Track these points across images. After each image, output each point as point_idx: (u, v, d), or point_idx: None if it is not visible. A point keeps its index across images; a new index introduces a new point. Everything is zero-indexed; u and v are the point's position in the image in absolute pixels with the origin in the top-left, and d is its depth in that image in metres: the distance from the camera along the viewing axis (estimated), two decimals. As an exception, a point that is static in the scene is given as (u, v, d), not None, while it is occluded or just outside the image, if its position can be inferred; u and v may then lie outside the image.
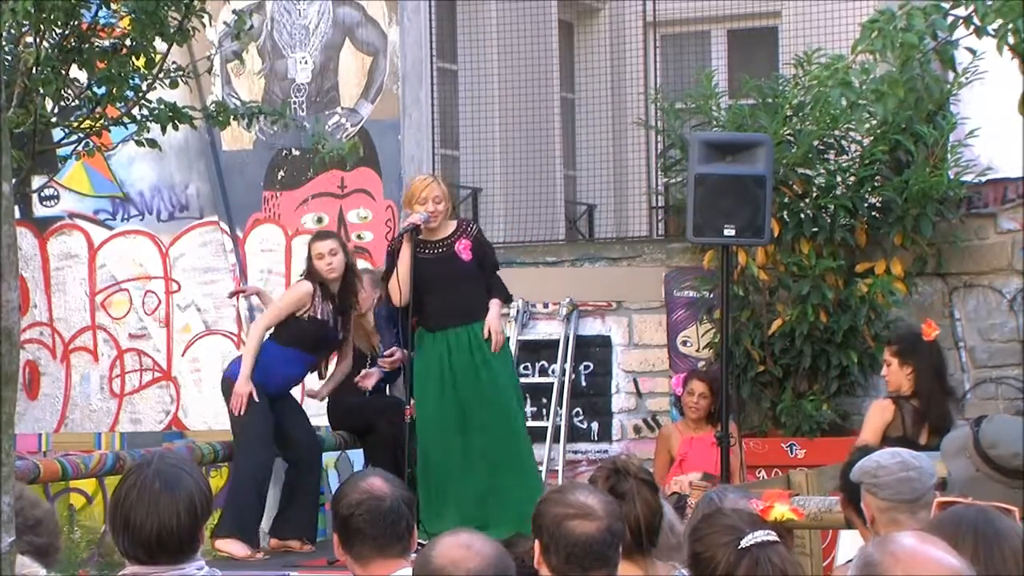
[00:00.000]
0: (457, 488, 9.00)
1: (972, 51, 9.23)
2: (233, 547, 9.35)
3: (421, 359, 9.13)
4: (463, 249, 9.16)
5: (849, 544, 7.21)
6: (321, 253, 9.56)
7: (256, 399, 9.46)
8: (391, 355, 9.86)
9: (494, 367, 9.10)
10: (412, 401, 9.15)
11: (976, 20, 7.91)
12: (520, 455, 9.15)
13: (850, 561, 3.57)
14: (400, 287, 9.04)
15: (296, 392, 10.26)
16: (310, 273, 9.62)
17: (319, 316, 9.56)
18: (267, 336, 9.70)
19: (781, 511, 4.44)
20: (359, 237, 12.15)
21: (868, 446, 6.35)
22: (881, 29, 7.89)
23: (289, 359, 9.62)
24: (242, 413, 9.45)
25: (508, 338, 9.77)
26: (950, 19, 8.01)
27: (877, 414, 8.91)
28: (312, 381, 10.29)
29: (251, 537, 9.50)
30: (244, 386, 9.47)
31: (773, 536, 3.95)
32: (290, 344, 9.61)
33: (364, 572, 4.55)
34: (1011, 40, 7.89)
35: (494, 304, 9.21)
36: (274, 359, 9.59)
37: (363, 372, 10.08)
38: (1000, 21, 7.77)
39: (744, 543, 3.90)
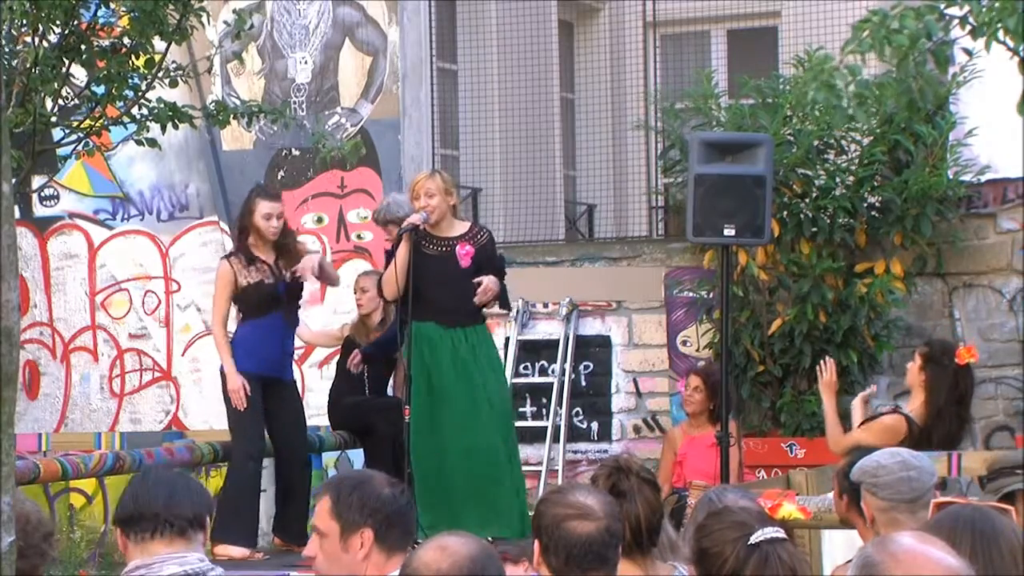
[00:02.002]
0: (436, 484, 8.98)
1: (968, 51, 9.24)
2: (232, 551, 9.36)
3: (412, 351, 9.11)
4: (464, 255, 9.11)
5: (830, 546, 7.20)
6: (270, 214, 9.40)
7: (248, 393, 9.43)
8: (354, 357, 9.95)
9: (478, 368, 9.06)
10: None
11: (972, 20, 7.91)
12: (501, 454, 9.06)
13: (850, 561, 3.58)
14: (397, 280, 9.00)
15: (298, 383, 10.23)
16: (242, 230, 9.49)
17: (253, 280, 9.39)
18: (237, 323, 9.61)
19: (789, 510, 4.43)
20: (359, 237, 12.15)
21: (867, 446, 6.33)
22: (872, 30, 7.88)
23: (264, 329, 9.51)
24: (244, 407, 9.38)
25: (496, 348, 9.66)
26: (945, 19, 8.02)
27: (884, 431, 8.63)
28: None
29: (249, 539, 9.49)
30: (234, 380, 9.33)
31: (782, 533, 3.92)
32: (255, 316, 9.46)
33: (373, 567, 4.56)
34: (1002, 36, 7.90)
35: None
36: (253, 338, 9.45)
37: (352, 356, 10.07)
38: (991, 17, 7.78)
39: (754, 539, 3.87)
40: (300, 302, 9.70)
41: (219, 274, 9.55)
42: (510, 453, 9.20)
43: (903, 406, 8.96)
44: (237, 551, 9.34)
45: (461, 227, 9.25)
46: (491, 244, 9.28)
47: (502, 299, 9.40)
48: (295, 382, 9.91)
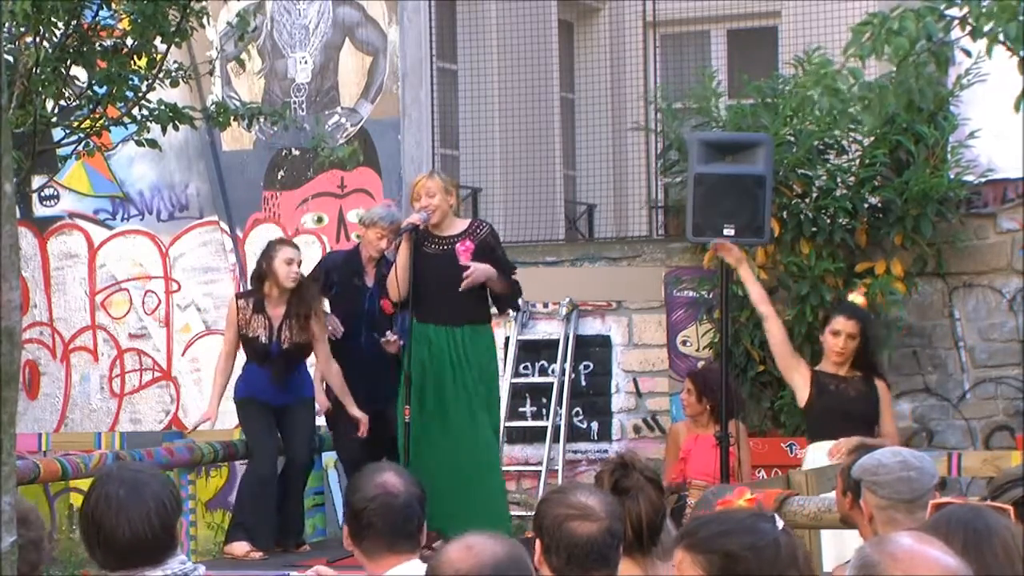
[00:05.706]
0: (430, 482, 8.98)
1: (967, 52, 9.24)
2: (236, 549, 9.46)
3: (411, 348, 9.13)
4: (463, 251, 9.12)
5: (830, 545, 7.20)
6: (291, 259, 9.46)
7: (250, 417, 9.63)
8: (386, 340, 9.71)
9: (470, 372, 9.07)
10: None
11: (971, 21, 7.91)
12: (482, 462, 9.08)
13: (847, 562, 3.57)
14: (399, 284, 9.03)
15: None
16: (259, 276, 9.54)
17: (250, 333, 9.52)
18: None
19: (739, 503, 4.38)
20: (359, 237, 12.15)
21: (870, 445, 6.32)
22: (872, 32, 7.87)
23: (257, 372, 9.63)
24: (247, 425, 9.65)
25: (495, 352, 9.63)
26: (945, 20, 8.02)
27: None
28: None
29: (256, 538, 9.50)
30: (208, 412, 9.70)
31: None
32: (250, 360, 9.66)
33: (373, 566, 4.58)
34: (1002, 39, 7.90)
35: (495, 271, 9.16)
36: (250, 373, 9.64)
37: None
38: (991, 24, 7.78)
39: (780, 524, 3.67)
40: (303, 359, 9.77)
41: (228, 309, 9.81)
42: (492, 460, 9.24)
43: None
44: (240, 549, 9.40)
45: (461, 225, 9.27)
46: (492, 236, 9.27)
47: (510, 299, 9.38)
48: (311, 398, 9.85)
